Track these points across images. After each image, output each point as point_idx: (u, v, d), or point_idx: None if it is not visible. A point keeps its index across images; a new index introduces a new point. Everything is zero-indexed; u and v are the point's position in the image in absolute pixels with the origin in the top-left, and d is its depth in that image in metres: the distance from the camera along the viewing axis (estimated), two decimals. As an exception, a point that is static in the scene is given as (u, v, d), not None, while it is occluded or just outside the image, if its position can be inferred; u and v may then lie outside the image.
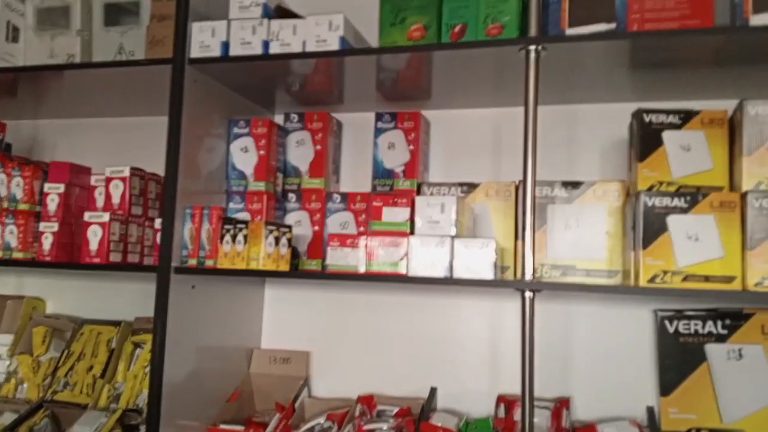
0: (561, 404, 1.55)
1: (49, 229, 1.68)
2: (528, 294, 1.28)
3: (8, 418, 1.70)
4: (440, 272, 1.36)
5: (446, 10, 1.42)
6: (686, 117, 1.38)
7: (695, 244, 1.27)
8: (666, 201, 1.29)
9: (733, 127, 1.36)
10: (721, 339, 1.47)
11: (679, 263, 1.27)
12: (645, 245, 1.29)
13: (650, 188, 1.37)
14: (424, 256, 1.37)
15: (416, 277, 1.37)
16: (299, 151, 1.74)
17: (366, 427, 1.51)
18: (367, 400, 1.63)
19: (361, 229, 1.65)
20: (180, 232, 1.52)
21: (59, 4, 1.72)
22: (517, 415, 1.54)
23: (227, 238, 1.49)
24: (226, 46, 1.52)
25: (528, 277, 1.28)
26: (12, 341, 1.93)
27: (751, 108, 1.31)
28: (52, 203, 1.71)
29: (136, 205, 1.70)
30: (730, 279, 1.25)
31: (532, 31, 1.33)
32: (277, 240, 1.49)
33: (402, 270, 1.39)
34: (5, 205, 1.75)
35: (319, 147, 1.72)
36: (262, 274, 1.46)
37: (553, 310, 1.66)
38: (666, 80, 1.47)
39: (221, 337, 1.67)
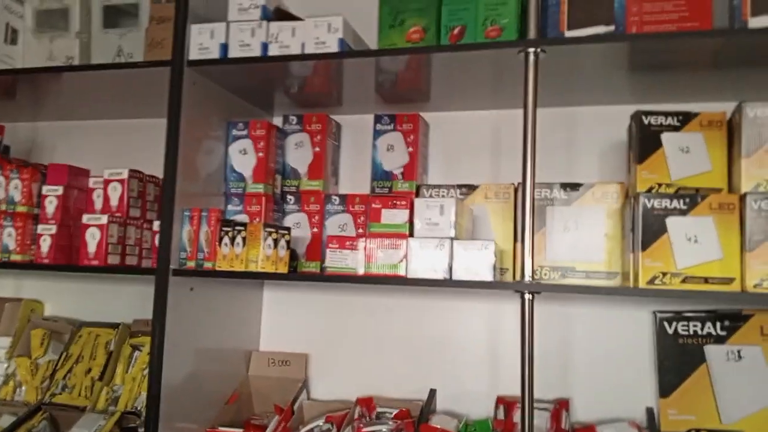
0: (560, 406, 1.55)
1: (47, 232, 1.67)
2: (527, 296, 1.28)
3: (6, 420, 1.70)
4: (439, 274, 1.36)
5: (445, 12, 1.42)
6: (685, 119, 1.38)
7: (694, 246, 1.27)
8: (665, 203, 1.29)
9: (732, 129, 1.37)
10: (720, 340, 1.47)
11: (678, 265, 1.27)
12: (644, 247, 1.29)
13: (649, 190, 1.37)
14: (423, 258, 1.37)
15: (415, 279, 1.37)
16: (298, 153, 1.74)
17: (365, 430, 1.51)
18: (366, 402, 1.63)
19: (360, 231, 1.64)
20: (178, 234, 1.52)
21: (58, 6, 1.72)
22: (516, 417, 1.54)
23: (226, 240, 1.49)
24: (224, 48, 1.52)
25: (527, 278, 1.28)
26: (10, 344, 1.93)
27: (750, 110, 1.31)
28: (51, 205, 1.70)
29: (134, 207, 1.70)
30: (729, 280, 1.26)
31: (531, 33, 1.33)
32: (275, 242, 1.48)
33: (401, 272, 1.39)
34: (3, 207, 1.74)
35: (317, 149, 1.72)
36: (261, 276, 1.46)
37: (552, 311, 1.66)
38: (665, 82, 1.48)
39: (220, 339, 1.67)
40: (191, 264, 1.52)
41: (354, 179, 1.84)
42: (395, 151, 1.66)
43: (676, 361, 1.48)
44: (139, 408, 1.71)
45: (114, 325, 1.89)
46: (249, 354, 1.81)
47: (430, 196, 1.61)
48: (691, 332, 1.49)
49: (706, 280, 1.26)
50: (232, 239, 1.48)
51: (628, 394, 1.59)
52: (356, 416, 1.58)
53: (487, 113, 1.75)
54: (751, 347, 1.46)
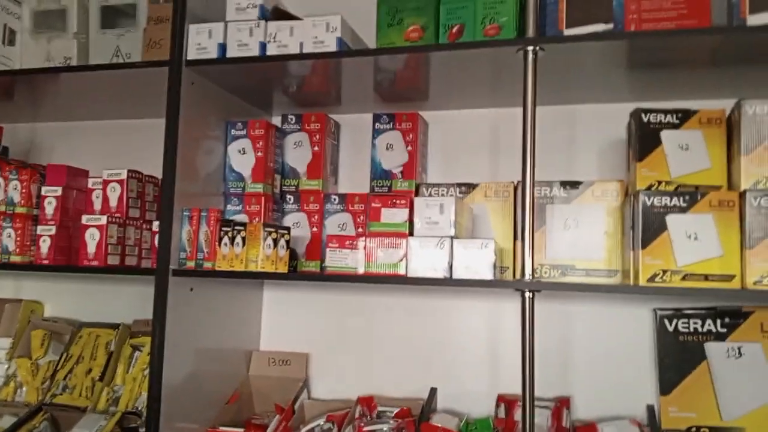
0: (561, 404, 1.55)
1: (46, 233, 1.67)
2: (527, 294, 1.28)
3: (7, 421, 1.70)
4: (439, 273, 1.36)
5: (444, 10, 1.42)
6: (684, 116, 1.38)
7: (694, 243, 1.27)
8: (665, 200, 1.29)
9: (731, 127, 1.37)
10: (720, 337, 1.47)
11: (678, 262, 1.27)
12: (644, 245, 1.29)
13: (649, 188, 1.37)
14: (423, 257, 1.37)
15: (415, 278, 1.37)
16: (297, 153, 1.73)
17: (366, 429, 1.51)
18: (367, 401, 1.63)
19: (360, 230, 1.64)
20: (178, 234, 1.52)
21: (56, 6, 1.71)
22: (517, 415, 1.54)
23: (225, 240, 1.49)
24: (223, 48, 1.52)
25: (527, 277, 1.28)
26: (10, 345, 1.93)
27: (749, 107, 1.31)
28: (50, 206, 1.70)
29: (133, 207, 1.70)
30: (729, 278, 1.26)
31: (530, 31, 1.33)
32: (275, 242, 1.48)
33: (401, 271, 1.39)
34: (3, 208, 1.74)
35: (317, 148, 1.72)
36: (261, 276, 1.46)
37: (552, 310, 1.66)
38: (664, 80, 1.48)
39: (220, 339, 1.67)
40: (191, 264, 1.52)
41: (353, 178, 1.84)
42: (394, 150, 1.66)
43: (677, 359, 1.48)
44: (139, 408, 1.71)
45: (114, 326, 1.89)
46: (249, 354, 1.81)
47: (430, 194, 1.61)
48: (692, 329, 1.49)
49: (706, 278, 1.26)
50: (232, 239, 1.48)
51: (628, 392, 1.59)
52: (357, 415, 1.58)
53: (486, 111, 1.75)
54: (751, 344, 1.46)
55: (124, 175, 1.68)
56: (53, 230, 1.67)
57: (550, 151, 1.69)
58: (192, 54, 1.53)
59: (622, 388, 1.59)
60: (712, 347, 1.47)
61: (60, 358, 1.87)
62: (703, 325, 1.48)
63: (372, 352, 1.78)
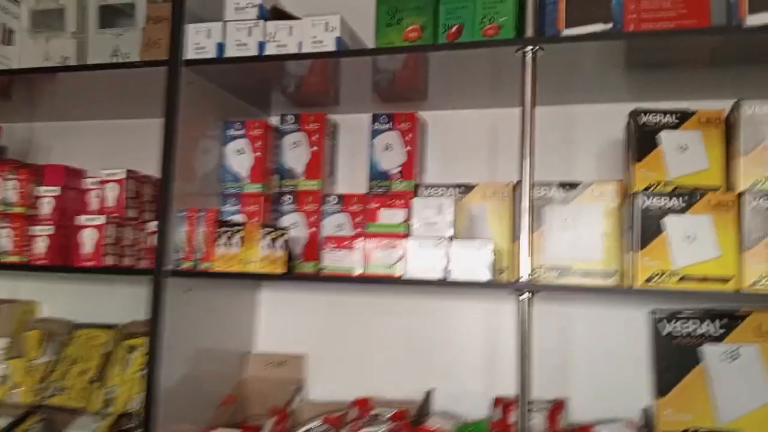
0: (557, 406, 1.54)
1: (43, 233, 1.67)
2: (525, 295, 1.28)
3: (1, 422, 1.69)
4: (437, 274, 1.36)
5: (443, 10, 1.42)
6: (683, 117, 1.38)
7: (692, 245, 1.27)
8: (663, 201, 1.29)
9: (730, 127, 1.37)
10: (717, 339, 1.47)
11: (675, 264, 1.27)
12: (642, 246, 1.29)
13: (647, 188, 1.37)
14: (420, 258, 1.37)
15: (413, 279, 1.36)
16: (295, 153, 1.73)
17: (362, 431, 1.50)
18: (363, 403, 1.62)
19: (358, 231, 1.64)
20: (175, 234, 1.52)
21: (54, 6, 1.71)
22: (513, 417, 1.53)
23: (222, 240, 1.48)
24: (221, 47, 1.52)
25: (525, 278, 1.28)
26: (5, 345, 1.92)
27: (748, 108, 1.31)
28: (47, 206, 1.70)
29: (131, 207, 1.70)
30: (726, 279, 1.26)
31: (529, 31, 1.33)
32: (272, 242, 1.48)
33: (398, 272, 1.38)
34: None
35: (315, 148, 1.72)
36: (258, 277, 1.46)
37: (549, 311, 1.65)
38: (662, 80, 1.48)
39: (216, 340, 1.67)
40: (188, 265, 1.52)
41: (351, 179, 1.83)
42: (393, 150, 1.66)
43: (673, 361, 1.48)
44: (135, 409, 1.70)
45: (110, 327, 1.89)
46: (246, 355, 1.80)
47: (428, 195, 1.60)
48: (688, 331, 1.48)
49: (703, 279, 1.26)
50: (229, 239, 1.47)
51: (625, 394, 1.58)
52: (353, 417, 1.58)
53: (484, 112, 1.75)
54: (747, 346, 1.45)
55: (121, 175, 1.68)
56: (50, 230, 1.67)
57: (549, 152, 1.68)
58: (190, 54, 1.53)
59: (618, 390, 1.59)
60: (708, 349, 1.47)
61: (55, 359, 1.86)
62: (699, 327, 1.48)
63: (369, 353, 1.78)
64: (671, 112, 1.39)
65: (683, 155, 1.37)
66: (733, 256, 1.26)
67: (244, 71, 1.56)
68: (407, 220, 1.43)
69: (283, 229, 1.51)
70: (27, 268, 1.71)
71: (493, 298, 1.70)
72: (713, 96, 1.55)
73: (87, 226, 1.61)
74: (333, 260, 1.43)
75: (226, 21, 1.53)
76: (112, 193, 1.68)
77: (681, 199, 1.28)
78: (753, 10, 1.22)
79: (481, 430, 1.53)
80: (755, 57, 1.32)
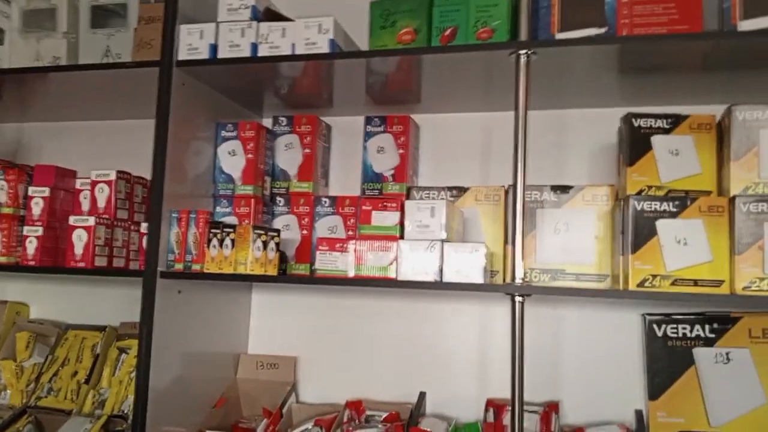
0: (550, 408, 1.54)
1: (33, 233, 1.66)
2: (518, 298, 1.28)
3: (-9, 425, 1.68)
4: (430, 276, 1.35)
5: (436, 13, 1.42)
6: (675, 122, 1.39)
7: (684, 249, 1.27)
8: (655, 205, 1.30)
9: (722, 132, 1.37)
10: (708, 343, 1.48)
11: (668, 267, 1.28)
12: (634, 249, 1.29)
13: (639, 192, 1.37)
14: (413, 260, 1.37)
15: (406, 281, 1.36)
16: (288, 155, 1.73)
17: (355, 433, 1.50)
18: (356, 406, 1.62)
19: (350, 233, 1.64)
20: (166, 236, 1.51)
21: (45, 6, 1.70)
22: (506, 420, 1.54)
23: (214, 242, 1.47)
24: (214, 48, 1.51)
25: (518, 281, 1.28)
26: (-5, 347, 1.91)
27: (739, 113, 1.32)
28: (37, 207, 1.69)
29: (121, 208, 1.69)
30: (718, 283, 1.26)
31: (523, 35, 1.33)
32: (264, 244, 1.47)
33: (391, 274, 1.38)
34: (-11, 208, 1.72)
35: (307, 150, 1.72)
36: (250, 279, 1.45)
37: (542, 314, 1.66)
38: (655, 85, 1.48)
39: (208, 342, 1.66)
40: (179, 266, 1.51)
41: (344, 181, 1.83)
42: (386, 152, 1.66)
43: (665, 364, 1.48)
44: (125, 411, 1.69)
45: (101, 328, 1.88)
46: (237, 357, 1.80)
47: (421, 198, 1.60)
48: (680, 335, 1.49)
49: (695, 283, 1.27)
50: (221, 241, 1.47)
51: (617, 397, 1.59)
52: (345, 419, 1.58)
53: (477, 115, 1.75)
54: (739, 350, 1.46)
55: (112, 176, 1.67)
56: (40, 231, 1.66)
57: (541, 155, 1.69)
58: (183, 54, 1.52)
59: (610, 393, 1.59)
60: (700, 352, 1.47)
61: (45, 361, 1.85)
62: (691, 331, 1.49)
63: (361, 355, 1.77)
64: (663, 117, 1.39)
65: (675, 159, 1.37)
66: (725, 260, 1.26)
67: (237, 72, 1.55)
68: (400, 222, 1.43)
69: (275, 230, 1.51)
70: (17, 269, 1.70)
71: (485, 301, 1.70)
72: (705, 101, 1.55)
73: (77, 227, 1.60)
74: (326, 262, 1.43)
75: (219, 22, 1.52)
76: (102, 194, 1.67)
77: (673, 203, 1.29)
78: (745, 15, 1.23)
79: (473, 433, 1.53)
80: (747, 62, 1.32)
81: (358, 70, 1.49)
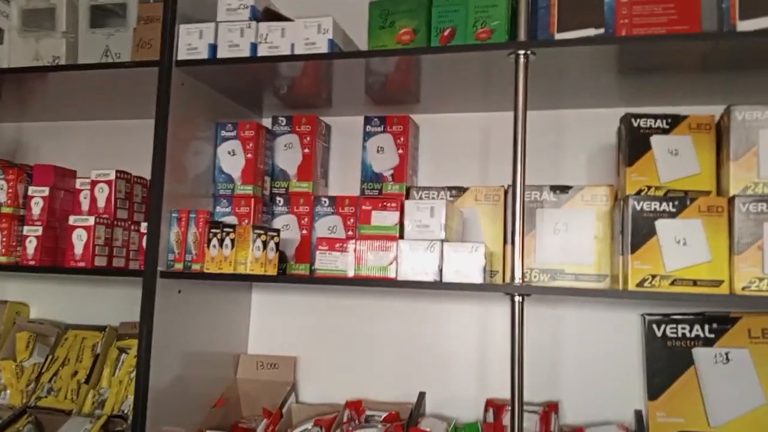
0: (549, 408, 1.55)
1: (33, 233, 1.66)
2: (517, 298, 1.28)
3: (-10, 424, 1.68)
4: (430, 276, 1.36)
5: (435, 14, 1.42)
6: (674, 122, 1.39)
7: (683, 249, 1.27)
8: (654, 205, 1.30)
9: (721, 132, 1.37)
10: (708, 343, 1.48)
11: (667, 267, 1.28)
12: (633, 249, 1.29)
13: (638, 192, 1.37)
14: (413, 260, 1.37)
15: (406, 281, 1.36)
16: (287, 155, 1.73)
17: (354, 433, 1.50)
18: (356, 406, 1.62)
19: (350, 233, 1.64)
20: (166, 236, 1.51)
21: (44, 5, 1.70)
22: (505, 420, 1.54)
23: (214, 242, 1.48)
24: (213, 48, 1.51)
25: (517, 281, 1.28)
26: (-5, 347, 1.91)
27: (738, 113, 1.32)
28: (37, 207, 1.69)
29: (121, 208, 1.69)
30: (717, 283, 1.26)
31: (521, 35, 1.33)
32: (264, 244, 1.47)
33: (391, 274, 1.38)
34: (-12, 208, 1.72)
35: (307, 150, 1.72)
36: (250, 279, 1.45)
37: (541, 314, 1.66)
38: (654, 85, 1.48)
39: (208, 342, 1.66)
40: (179, 266, 1.51)
41: (344, 181, 1.83)
42: (385, 152, 1.66)
43: (665, 364, 1.48)
44: (125, 411, 1.69)
45: (101, 328, 1.88)
46: (237, 357, 1.80)
47: (420, 198, 1.60)
48: (680, 335, 1.49)
49: (694, 283, 1.27)
50: (221, 241, 1.47)
51: (617, 397, 1.59)
52: (345, 419, 1.58)
53: (476, 115, 1.75)
54: (738, 350, 1.46)
55: (112, 176, 1.67)
56: (40, 231, 1.66)
57: (541, 156, 1.69)
58: (182, 54, 1.52)
59: (610, 393, 1.59)
60: (699, 352, 1.47)
61: (45, 361, 1.85)
62: (691, 331, 1.49)
63: (361, 355, 1.78)
64: (662, 117, 1.39)
65: (674, 160, 1.37)
66: (724, 260, 1.26)
67: (237, 72, 1.55)
68: (400, 222, 1.43)
69: (275, 230, 1.51)
70: (16, 268, 1.70)
71: (484, 301, 1.70)
72: (704, 101, 1.55)
73: (77, 227, 1.60)
74: (326, 262, 1.43)
75: (218, 22, 1.52)
76: (102, 193, 1.67)
77: (672, 203, 1.29)
78: (744, 15, 1.23)
79: (472, 433, 1.53)
80: (746, 62, 1.32)
81: (358, 70, 1.49)
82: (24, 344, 1.87)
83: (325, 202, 1.67)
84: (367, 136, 1.68)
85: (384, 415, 1.59)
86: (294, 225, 1.68)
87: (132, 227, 1.71)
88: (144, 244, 1.50)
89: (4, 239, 1.70)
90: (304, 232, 1.67)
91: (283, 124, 1.74)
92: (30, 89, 1.78)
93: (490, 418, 1.57)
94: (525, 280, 1.29)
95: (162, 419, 1.48)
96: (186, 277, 1.50)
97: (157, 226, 1.48)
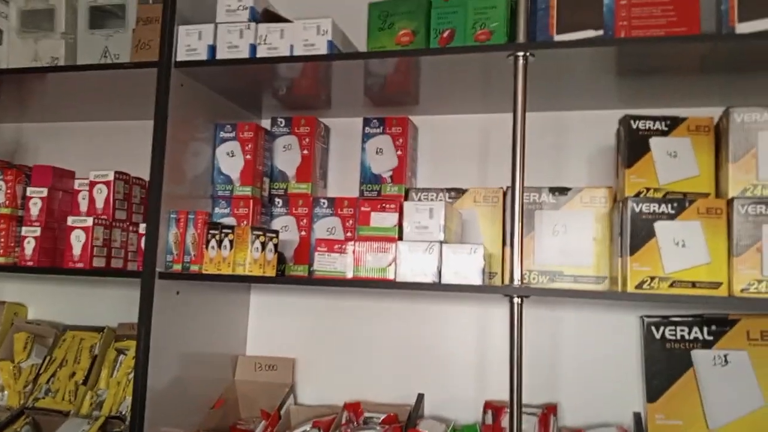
0: (548, 410, 1.54)
1: (31, 234, 1.65)
2: (516, 300, 1.28)
3: (-12, 426, 1.67)
4: (428, 278, 1.35)
5: (434, 15, 1.42)
6: (673, 124, 1.39)
7: (682, 250, 1.27)
8: (653, 207, 1.30)
9: (719, 134, 1.37)
10: (707, 345, 1.48)
11: (666, 269, 1.28)
12: (632, 251, 1.29)
13: (637, 194, 1.37)
14: (412, 262, 1.37)
15: (404, 282, 1.36)
16: (286, 156, 1.73)
17: (353, 434, 1.50)
18: (354, 407, 1.62)
19: (349, 234, 1.64)
20: (165, 237, 1.51)
21: (43, 6, 1.70)
22: (504, 422, 1.54)
23: (213, 243, 1.47)
24: (212, 49, 1.51)
25: (516, 282, 1.28)
26: (-7, 348, 1.91)
27: (737, 115, 1.32)
28: (35, 207, 1.68)
29: (120, 209, 1.69)
30: (716, 285, 1.26)
31: (521, 37, 1.33)
32: (263, 245, 1.47)
33: (390, 275, 1.38)
34: (-14, 209, 1.72)
35: (306, 152, 1.72)
36: (248, 280, 1.45)
37: (540, 316, 1.66)
38: (653, 87, 1.48)
39: (206, 343, 1.66)
40: (177, 267, 1.51)
41: (343, 182, 1.83)
42: (384, 154, 1.66)
43: (664, 366, 1.48)
44: (123, 413, 1.69)
45: (99, 329, 1.87)
46: (235, 358, 1.79)
47: (419, 199, 1.60)
48: (678, 337, 1.49)
49: (693, 285, 1.27)
50: (219, 242, 1.47)
51: (615, 399, 1.59)
52: (343, 421, 1.57)
53: (476, 117, 1.75)
54: (737, 352, 1.46)
55: (111, 177, 1.67)
56: (38, 231, 1.65)
57: (539, 157, 1.69)
58: (181, 55, 1.52)
59: (609, 395, 1.59)
60: (698, 355, 1.47)
61: (43, 362, 1.84)
62: (689, 333, 1.49)
63: (359, 357, 1.77)
64: (661, 119, 1.39)
65: (673, 162, 1.37)
66: (723, 262, 1.26)
67: (236, 74, 1.55)
68: (399, 223, 1.43)
69: (273, 232, 1.51)
70: (14, 269, 1.69)
71: (483, 303, 1.70)
72: (703, 103, 1.56)
73: (75, 228, 1.60)
74: (324, 263, 1.43)
75: (217, 23, 1.52)
76: (100, 194, 1.67)
77: (671, 205, 1.29)
78: (743, 18, 1.23)
79: (471, 435, 1.53)
80: (745, 64, 1.33)
81: (357, 72, 1.49)
82: (22, 345, 1.87)
83: (323, 203, 1.67)
84: (366, 137, 1.68)
85: (383, 416, 1.59)
86: (293, 226, 1.68)
87: (130, 228, 1.71)
88: (142, 245, 1.50)
89: (3, 240, 1.69)
90: (303, 233, 1.67)
91: (282, 125, 1.74)
92: (29, 90, 1.78)
93: (489, 419, 1.57)
94: (524, 281, 1.29)
95: (160, 420, 1.48)
96: (184, 278, 1.50)
97: (155, 227, 1.48)
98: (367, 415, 1.62)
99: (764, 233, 1.24)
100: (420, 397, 1.64)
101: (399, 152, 1.65)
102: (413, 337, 1.74)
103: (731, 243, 1.26)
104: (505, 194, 1.56)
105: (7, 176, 1.73)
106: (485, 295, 1.67)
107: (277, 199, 1.71)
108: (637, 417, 1.51)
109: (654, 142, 1.39)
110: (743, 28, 1.23)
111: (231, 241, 1.46)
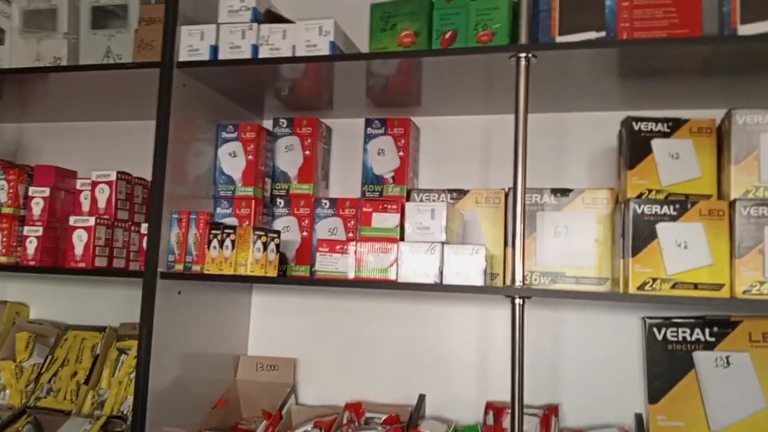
0: (550, 411, 1.54)
1: (33, 234, 1.66)
2: (518, 301, 1.28)
3: (-10, 425, 1.68)
4: (430, 278, 1.35)
5: (437, 16, 1.42)
6: (675, 125, 1.39)
7: (684, 252, 1.27)
8: (655, 209, 1.30)
9: (721, 136, 1.37)
10: (709, 346, 1.48)
11: (668, 271, 1.28)
12: (634, 253, 1.29)
13: (639, 196, 1.37)
14: (414, 262, 1.37)
15: (406, 283, 1.36)
16: (288, 157, 1.73)
17: (354, 435, 1.50)
18: (355, 408, 1.62)
19: (350, 235, 1.64)
20: (166, 237, 1.51)
21: (46, 6, 1.70)
22: (506, 423, 1.53)
23: (214, 243, 1.48)
24: (215, 50, 1.51)
25: (518, 283, 1.28)
26: (-6, 347, 1.91)
27: (739, 117, 1.32)
28: (37, 207, 1.69)
29: (122, 209, 1.69)
30: (718, 287, 1.26)
31: (523, 38, 1.33)
32: (265, 245, 1.47)
33: (392, 276, 1.38)
34: (-11, 208, 1.72)
35: (308, 152, 1.72)
36: (250, 280, 1.45)
37: (542, 317, 1.66)
38: (655, 89, 1.48)
39: (207, 343, 1.66)
40: (179, 267, 1.51)
41: (344, 183, 1.83)
42: (386, 155, 1.66)
43: (665, 367, 1.48)
44: (125, 412, 1.69)
45: (100, 329, 1.88)
46: (237, 358, 1.80)
47: (421, 200, 1.60)
48: (680, 338, 1.49)
49: (695, 286, 1.27)
50: (221, 242, 1.47)
51: (617, 400, 1.59)
52: (345, 421, 1.58)
53: (477, 118, 1.75)
54: (739, 353, 1.46)
55: (113, 177, 1.67)
56: (40, 231, 1.66)
57: (541, 159, 1.69)
58: (183, 56, 1.52)
59: (610, 396, 1.59)
60: (700, 356, 1.47)
61: (45, 361, 1.84)
62: (691, 334, 1.49)
63: (361, 357, 1.77)
64: (663, 121, 1.39)
65: (675, 163, 1.37)
66: (725, 263, 1.26)
67: (238, 74, 1.55)
68: (400, 224, 1.43)
69: (275, 232, 1.51)
70: (16, 269, 1.70)
71: (485, 303, 1.70)
72: (705, 105, 1.55)
73: (77, 228, 1.60)
74: (326, 264, 1.43)
75: (219, 23, 1.52)
76: (103, 194, 1.67)
77: (673, 207, 1.29)
78: (745, 19, 1.23)
79: (472, 436, 1.53)
80: (747, 66, 1.32)
81: (359, 73, 1.49)
82: (24, 344, 1.87)
83: (325, 204, 1.67)
84: (367, 138, 1.68)
85: (384, 417, 1.59)
86: (294, 227, 1.68)
87: (132, 228, 1.71)
88: (144, 245, 1.50)
89: (5, 239, 1.70)
90: (305, 233, 1.67)
91: (284, 126, 1.74)
92: (31, 90, 1.78)
93: (490, 420, 1.57)
94: (525, 282, 1.29)
95: (161, 420, 1.48)
96: (186, 278, 1.50)
97: (157, 227, 1.48)
98: (368, 415, 1.62)
99: (766, 235, 1.24)
100: (421, 398, 1.64)
101: (401, 153, 1.65)
102: (415, 338, 1.74)
103: (733, 245, 1.26)
104: (506, 195, 1.56)
105: (10, 176, 1.74)
106: (487, 296, 1.67)
107: (278, 200, 1.71)
108: (638, 418, 1.51)
109: (656, 143, 1.39)
110: (745, 30, 1.23)
111: (233, 242, 1.46)
